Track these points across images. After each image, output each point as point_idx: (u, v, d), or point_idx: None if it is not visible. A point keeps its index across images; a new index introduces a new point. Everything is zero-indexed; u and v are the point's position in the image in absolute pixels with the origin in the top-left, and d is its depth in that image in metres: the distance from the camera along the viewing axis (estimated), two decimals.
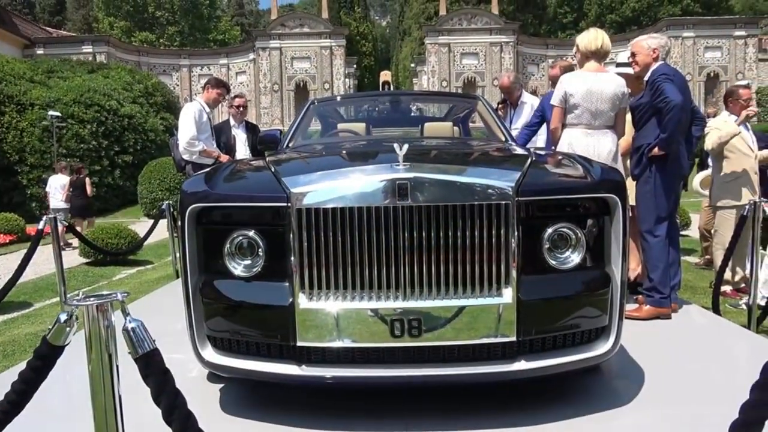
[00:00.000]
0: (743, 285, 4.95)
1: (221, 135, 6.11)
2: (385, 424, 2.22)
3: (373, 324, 2.11)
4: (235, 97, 6.61)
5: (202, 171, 2.73)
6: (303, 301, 2.13)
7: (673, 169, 3.67)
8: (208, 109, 5.76)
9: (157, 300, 4.67)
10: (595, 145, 3.71)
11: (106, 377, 1.38)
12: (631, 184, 3.81)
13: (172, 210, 6.65)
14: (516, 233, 2.12)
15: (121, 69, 26.27)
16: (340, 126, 4.74)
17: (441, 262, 2.11)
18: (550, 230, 2.22)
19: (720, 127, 4.93)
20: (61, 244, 6.82)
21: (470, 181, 2.16)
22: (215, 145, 5.80)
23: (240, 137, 6.31)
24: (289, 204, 2.13)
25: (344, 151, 3.00)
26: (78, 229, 9.41)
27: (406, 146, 2.16)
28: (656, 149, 3.59)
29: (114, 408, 1.39)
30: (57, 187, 11.50)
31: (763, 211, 3.95)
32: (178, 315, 2.63)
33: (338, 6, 45.21)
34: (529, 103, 5.63)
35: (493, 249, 2.11)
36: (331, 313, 2.12)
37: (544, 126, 5.16)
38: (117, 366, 1.42)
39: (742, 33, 32.99)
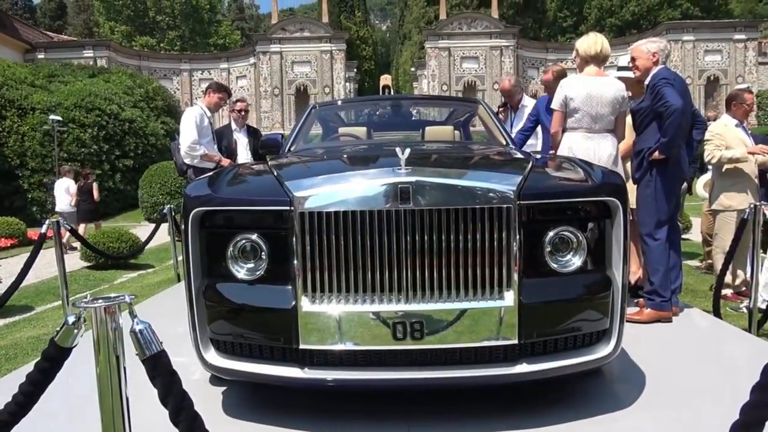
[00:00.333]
0: (744, 288, 4.95)
1: (222, 139, 6.13)
2: (387, 426, 2.23)
3: (376, 327, 2.12)
4: (237, 101, 6.62)
5: (204, 175, 2.75)
6: (306, 304, 2.15)
7: (673, 173, 3.69)
8: (209, 114, 5.78)
9: (158, 303, 4.69)
10: (596, 148, 3.73)
11: (114, 379, 1.39)
12: (631, 188, 3.82)
13: (173, 214, 6.66)
14: (517, 236, 2.13)
15: (122, 73, 26.30)
16: (342, 130, 4.76)
17: (443, 266, 2.12)
18: (551, 233, 2.23)
19: (722, 133, 4.93)
20: (65, 247, 6.85)
21: (472, 184, 2.18)
22: (216, 150, 5.82)
23: (241, 141, 6.33)
24: (292, 208, 2.15)
25: (346, 155, 3.02)
26: (82, 232, 9.52)
27: (408, 150, 2.18)
28: (657, 153, 3.60)
29: (121, 409, 1.40)
30: (62, 191, 11.67)
31: (764, 214, 3.96)
32: (179, 318, 2.65)
33: (338, 10, 45.29)
34: (530, 106, 5.65)
35: (495, 252, 2.13)
36: (334, 316, 2.13)
37: (543, 131, 5.19)
38: (124, 368, 1.43)
39: (742, 36, 33.02)
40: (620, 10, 42.12)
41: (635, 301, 3.91)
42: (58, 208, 11.65)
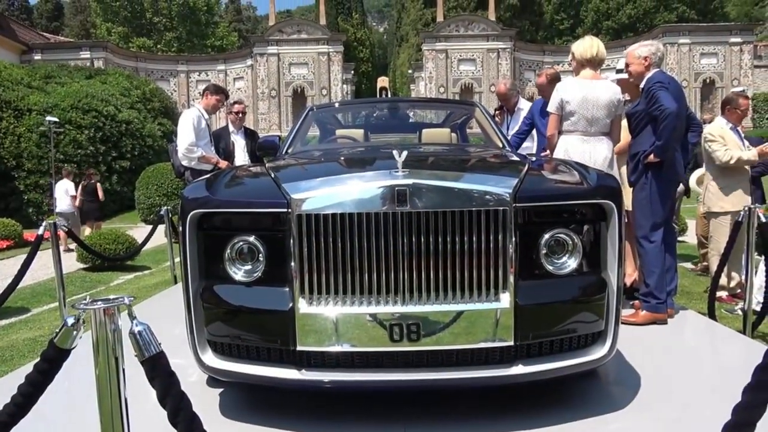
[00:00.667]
0: (739, 290, 4.98)
1: (220, 141, 6.14)
2: (384, 428, 2.24)
3: (372, 329, 2.13)
4: (235, 103, 6.63)
5: (202, 177, 2.76)
6: (303, 306, 2.16)
7: (668, 176, 3.71)
8: (206, 116, 5.79)
9: (155, 305, 4.69)
10: (591, 151, 3.75)
11: (113, 380, 1.40)
12: (627, 190, 3.85)
13: (170, 215, 6.66)
14: (513, 239, 2.15)
15: (118, 75, 26.30)
16: (339, 132, 4.77)
17: (439, 268, 2.14)
18: (547, 236, 2.25)
19: (725, 137, 4.96)
20: (62, 248, 6.86)
21: (468, 187, 2.19)
22: (214, 152, 5.83)
23: (239, 143, 6.34)
24: (290, 210, 2.16)
25: (343, 158, 3.03)
26: (89, 232, 9.65)
27: (405, 153, 2.19)
28: (652, 156, 3.63)
29: (120, 410, 1.41)
30: (63, 192, 11.86)
31: (758, 216, 3.99)
32: (176, 320, 2.65)
33: (336, 12, 45.36)
34: (526, 109, 5.68)
35: (491, 254, 2.14)
36: (331, 317, 2.14)
37: (537, 134, 5.22)
38: (123, 369, 1.44)
39: (738, 40, 33.21)
40: (617, 13, 42.30)
41: (631, 303, 3.93)
42: (58, 209, 11.85)
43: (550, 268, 2.26)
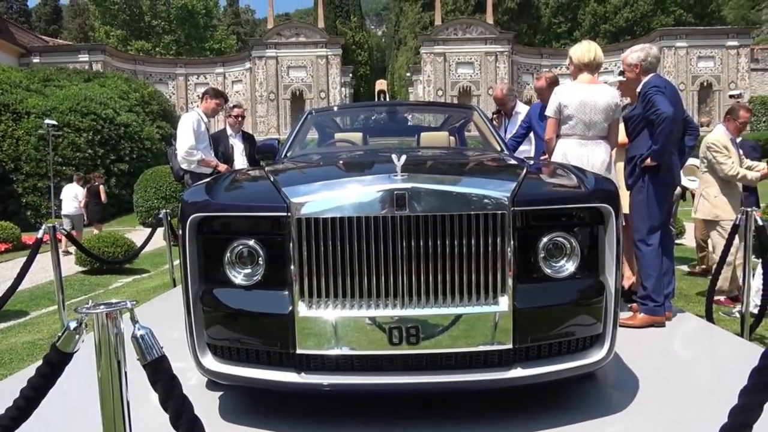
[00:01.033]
0: (736, 293, 5.00)
1: (218, 144, 6.15)
2: (383, 431, 2.25)
3: (372, 332, 2.14)
4: (234, 107, 6.65)
5: (202, 181, 2.77)
6: (302, 309, 2.17)
7: (665, 180, 3.73)
8: (206, 119, 5.81)
9: (154, 309, 4.70)
10: (589, 155, 3.77)
11: (115, 383, 1.41)
12: (624, 193, 3.87)
13: (169, 218, 6.67)
14: (512, 242, 2.16)
15: (117, 78, 26.31)
16: (338, 136, 4.78)
17: (438, 271, 2.15)
18: (545, 239, 2.26)
19: (729, 147, 4.99)
20: (61, 251, 6.88)
21: (467, 191, 2.21)
22: (213, 155, 5.84)
23: (237, 147, 6.35)
24: (289, 213, 2.17)
25: (342, 162, 3.04)
26: (96, 232, 9.84)
27: (403, 157, 2.21)
28: (649, 160, 3.65)
29: (122, 413, 1.42)
30: (71, 195, 12.20)
31: (755, 220, 4.00)
32: (175, 323, 2.66)
33: (334, 15, 45.42)
34: (523, 113, 5.70)
35: (490, 258, 2.15)
36: (330, 321, 2.15)
37: (535, 138, 5.24)
38: (125, 372, 1.45)
39: (735, 43, 33.28)
40: (614, 16, 42.41)
41: (629, 306, 3.95)
42: (65, 211, 12.16)
43: (548, 271, 2.27)
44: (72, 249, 8.89)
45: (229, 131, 6.40)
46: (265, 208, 2.25)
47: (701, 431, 2.14)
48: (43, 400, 1.52)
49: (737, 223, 4.05)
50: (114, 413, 1.42)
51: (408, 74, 41.65)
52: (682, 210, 7.32)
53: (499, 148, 3.92)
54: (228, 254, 2.29)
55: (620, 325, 2.55)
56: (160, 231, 7.26)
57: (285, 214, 2.18)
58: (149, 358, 1.40)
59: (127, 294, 6.80)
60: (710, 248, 5.20)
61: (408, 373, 2.18)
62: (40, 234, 4.75)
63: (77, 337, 1.46)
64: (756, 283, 4.40)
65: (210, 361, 2.32)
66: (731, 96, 19.51)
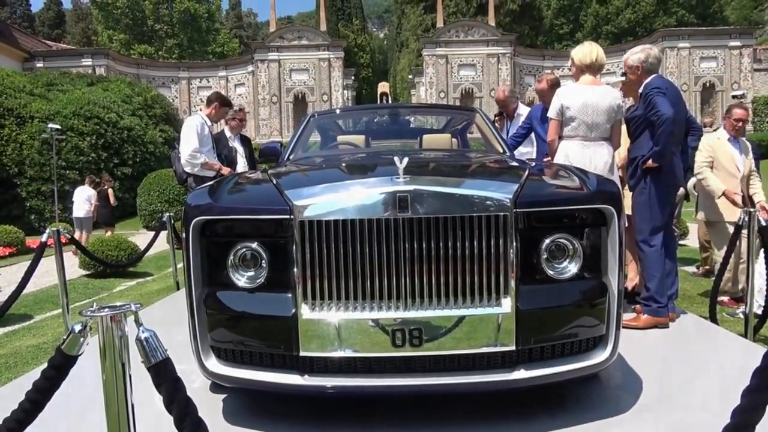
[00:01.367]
0: (740, 294, 4.99)
1: (219, 146, 6.17)
2: None
3: (375, 334, 2.14)
4: (240, 110, 6.71)
5: (205, 184, 2.78)
6: (306, 312, 2.17)
7: (667, 181, 3.73)
8: (209, 123, 5.83)
9: (157, 312, 4.71)
10: (592, 156, 3.77)
11: (120, 386, 1.42)
12: (626, 194, 3.86)
13: (172, 222, 6.68)
14: (514, 244, 2.17)
15: (120, 81, 26.38)
16: (340, 138, 4.80)
17: (441, 273, 2.15)
18: (547, 241, 2.26)
19: (714, 146, 5.00)
20: (72, 252, 6.93)
21: (469, 193, 2.21)
22: (216, 159, 5.87)
23: (238, 150, 6.38)
24: (292, 216, 2.18)
25: (345, 164, 3.05)
26: (108, 234, 10.05)
27: (406, 159, 2.21)
28: (650, 161, 3.65)
29: (127, 416, 1.43)
30: (83, 199, 12.45)
31: (758, 220, 4.00)
32: (179, 326, 2.67)
33: (336, 18, 45.53)
34: (525, 115, 5.71)
35: (492, 259, 2.16)
36: (334, 323, 2.15)
37: (537, 139, 5.25)
38: (130, 375, 1.46)
39: (737, 43, 33.24)
40: (616, 17, 42.39)
41: (632, 307, 3.94)
42: (76, 214, 12.41)
43: (550, 272, 2.27)
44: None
45: (228, 134, 6.42)
46: (268, 210, 2.26)
47: None
48: (48, 403, 1.53)
49: (740, 223, 4.04)
50: (119, 415, 1.43)
51: (410, 76, 41.71)
52: (685, 211, 7.31)
53: (501, 150, 3.93)
54: (231, 257, 2.30)
55: (623, 327, 2.55)
56: (163, 234, 7.27)
57: (288, 216, 2.19)
58: (153, 360, 1.41)
59: (131, 297, 6.82)
60: (715, 249, 5.18)
61: (411, 375, 2.18)
62: (44, 238, 4.77)
63: (82, 340, 1.47)
64: (759, 282, 4.39)
65: (214, 364, 2.33)
66: (734, 96, 19.49)
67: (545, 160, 4.33)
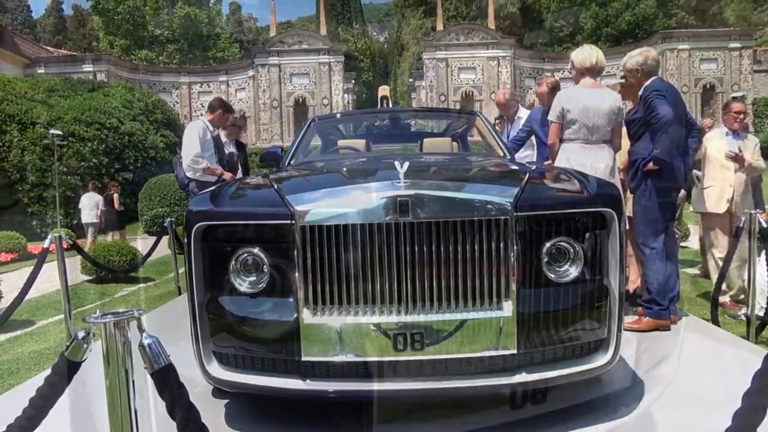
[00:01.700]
0: (742, 296, 4.98)
1: (219, 151, 6.17)
2: None
3: (376, 338, 2.15)
4: (241, 116, 6.73)
5: (207, 190, 2.79)
6: (307, 317, 2.18)
7: (668, 183, 3.73)
8: (211, 128, 5.84)
9: (159, 317, 4.71)
10: (593, 159, 3.77)
11: (123, 392, 1.42)
12: (627, 197, 3.87)
13: (174, 227, 6.69)
14: (515, 247, 2.17)
15: (121, 87, 26.43)
16: (341, 143, 4.80)
17: (442, 277, 2.16)
18: (548, 244, 2.26)
19: (713, 144, 5.03)
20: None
21: (469, 197, 2.22)
22: (218, 163, 5.87)
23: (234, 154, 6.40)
24: (293, 221, 2.18)
25: (346, 169, 3.06)
26: (117, 238, 10.14)
27: (406, 164, 2.22)
28: (651, 164, 3.65)
29: (130, 421, 1.43)
30: (92, 204, 12.74)
31: (759, 222, 3.99)
32: (181, 331, 2.67)
33: (336, 22, 45.63)
34: (525, 117, 5.71)
35: (493, 263, 2.16)
36: (335, 327, 2.16)
37: (537, 142, 5.25)
38: (133, 381, 1.46)
39: (737, 45, 33.26)
40: (616, 19, 42.39)
41: (634, 309, 3.94)
42: (86, 220, 12.70)
43: (551, 276, 2.28)
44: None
45: (223, 138, 6.42)
46: (269, 215, 2.27)
47: None
48: (51, 409, 1.54)
49: (741, 225, 4.04)
50: (122, 421, 1.43)
51: (410, 80, 41.78)
52: (687, 213, 7.31)
53: (502, 154, 3.94)
54: (233, 262, 2.30)
55: (625, 329, 2.55)
56: (165, 239, 7.27)
57: (289, 221, 2.19)
58: (156, 366, 1.42)
59: (133, 302, 6.82)
60: (712, 248, 5.16)
61: (413, 379, 2.18)
62: (46, 243, 4.77)
63: (85, 346, 1.47)
64: (760, 284, 4.38)
65: (216, 369, 2.33)
66: (734, 98, 19.49)
67: (546, 163, 4.34)
